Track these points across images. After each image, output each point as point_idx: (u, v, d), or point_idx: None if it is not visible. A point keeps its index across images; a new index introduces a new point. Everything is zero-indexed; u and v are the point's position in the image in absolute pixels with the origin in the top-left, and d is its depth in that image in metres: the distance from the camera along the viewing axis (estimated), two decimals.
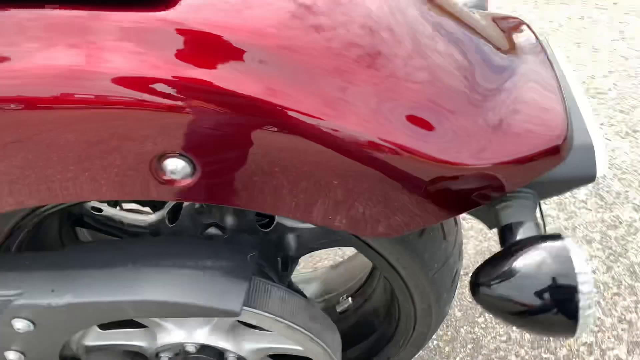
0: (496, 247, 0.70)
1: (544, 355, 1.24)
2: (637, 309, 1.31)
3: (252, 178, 0.59)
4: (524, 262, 0.56)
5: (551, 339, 1.26)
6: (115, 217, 0.91)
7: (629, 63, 2.17)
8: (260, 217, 0.89)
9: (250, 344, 0.83)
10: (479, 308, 1.31)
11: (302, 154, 0.56)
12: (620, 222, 1.48)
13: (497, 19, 0.81)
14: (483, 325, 1.30)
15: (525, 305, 0.56)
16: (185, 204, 0.90)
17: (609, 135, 1.75)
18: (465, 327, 1.30)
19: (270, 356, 0.87)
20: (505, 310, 0.58)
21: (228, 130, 0.55)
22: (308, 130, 0.54)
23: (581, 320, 0.54)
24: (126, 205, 0.99)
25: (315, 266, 1.45)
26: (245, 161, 0.57)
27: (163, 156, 0.56)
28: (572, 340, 1.25)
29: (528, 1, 2.63)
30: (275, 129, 0.54)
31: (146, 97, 0.52)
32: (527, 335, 1.27)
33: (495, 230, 0.66)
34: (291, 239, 0.94)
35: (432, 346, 1.27)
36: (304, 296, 0.97)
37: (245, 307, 0.72)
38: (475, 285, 0.60)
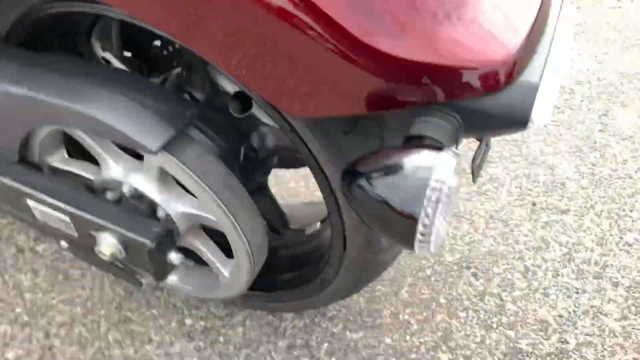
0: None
1: None
2: None
3: None
4: (390, 160, 0.53)
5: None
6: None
7: None
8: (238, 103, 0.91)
9: (177, 204, 0.86)
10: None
11: None
12: None
13: None
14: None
15: (377, 199, 0.53)
16: (174, 72, 0.95)
17: None
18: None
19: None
20: (362, 199, 0.55)
21: None
22: None
23: (420, 226, 0.50)
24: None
25: None
26: None
27: None
28: None
29: None
30: None
31: None
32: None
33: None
34: (256, 136, 0.95)
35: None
36: (273, 202, 0.99)
37: (163, 151, 0.75)
38: (344, 174, 0.57)
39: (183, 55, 0.94)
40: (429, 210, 0.49)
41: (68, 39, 0.95)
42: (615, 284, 1.30)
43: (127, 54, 1.01)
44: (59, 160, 0.92)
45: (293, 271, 1.10)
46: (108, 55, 0.98)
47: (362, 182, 0.53)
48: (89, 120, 0.74)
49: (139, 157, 0.84)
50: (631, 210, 1.44)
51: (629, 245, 1.37)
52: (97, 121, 0.72)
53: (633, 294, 1.28)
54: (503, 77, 0.58)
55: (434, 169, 0.50)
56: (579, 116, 1.71)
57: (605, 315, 1.24)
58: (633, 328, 1.22)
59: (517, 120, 0.59)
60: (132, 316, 1.24)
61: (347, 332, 1.21)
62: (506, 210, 1.45)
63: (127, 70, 0.97)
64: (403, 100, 0.59)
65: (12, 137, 0.85)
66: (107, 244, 0.85)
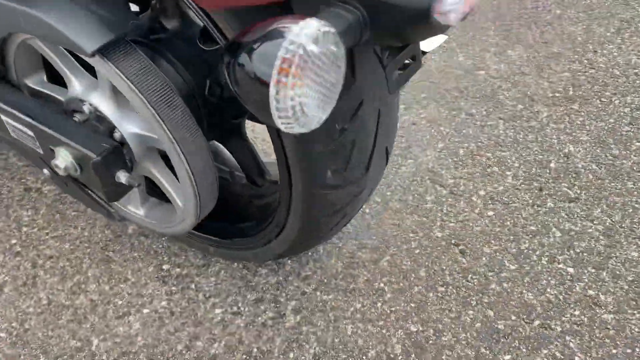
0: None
1: None
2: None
3: None
4: (257, 31, 0.52)
5: None
6: None
7: None
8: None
9: (129, 124, 0.88)
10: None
11: None
12: None
13: None
14: None
15: (240, 65, 0.52)
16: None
17: None
18: None
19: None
20: (231, 71, 0.54)
21: None
22: None
23: (273, 90, 0.48)
24: None
25: None
26: None
27: None
28: None
29: None
30: None
31: None
32: None
33: None
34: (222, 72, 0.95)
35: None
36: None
37: (102, 57, 0.77)
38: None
39: None
40: (282, 75, 0.47)
41: None
42: (617, 276, 1.19)
43: None
44: (36, 82, 0.97)
45: (261, 219, 1.09)
46: None
47: (233, 53, 0.52)
48: (35, 21, 0.77)
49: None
50: None
51: None
52: (42, 22, 0.75)
53: (635, 289, 1.17)
54: None
55: (289, 31, 0.48)
56: (608, 108, 1.60)
57: (600, 306, 1.15)
58: (628, 322, 1.12)
59: (421, 12, 0.56)
60: (114, 257, 1.27)
61: (318, 293, 1.19)
62: (509, 193, 1.38)
63: None
64: None
65: None
66: (62, 157, 0.88)
